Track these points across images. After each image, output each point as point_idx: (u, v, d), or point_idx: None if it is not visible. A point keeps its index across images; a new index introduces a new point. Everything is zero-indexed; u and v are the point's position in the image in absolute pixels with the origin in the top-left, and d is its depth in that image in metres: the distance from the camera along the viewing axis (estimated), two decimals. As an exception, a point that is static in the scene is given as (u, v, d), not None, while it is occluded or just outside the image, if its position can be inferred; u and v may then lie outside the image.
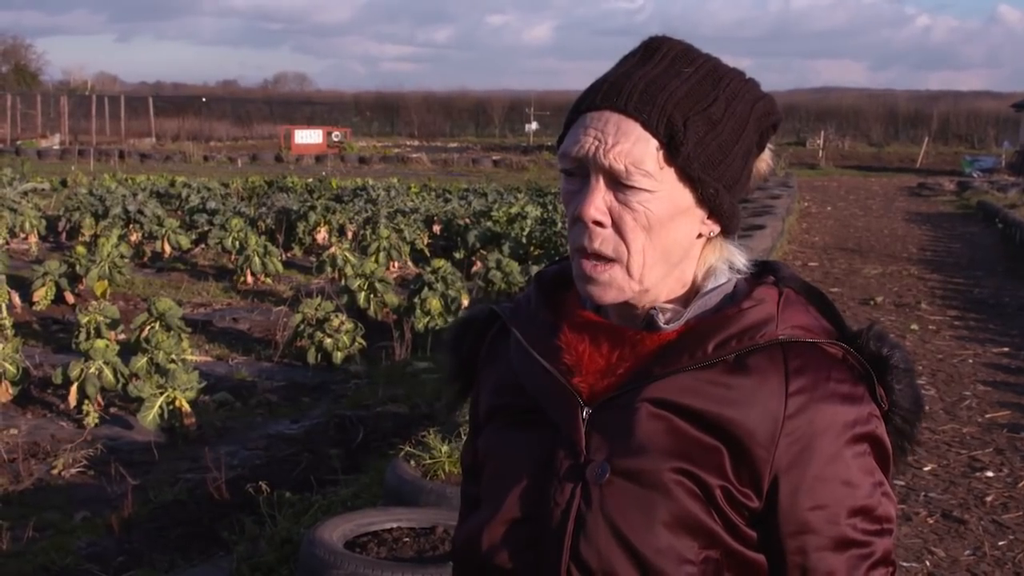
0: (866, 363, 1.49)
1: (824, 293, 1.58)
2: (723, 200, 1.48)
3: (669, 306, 1.52)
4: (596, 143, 1.44)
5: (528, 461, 1.52)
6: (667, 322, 1.50)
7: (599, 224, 1.45)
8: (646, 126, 1.43)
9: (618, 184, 1.44)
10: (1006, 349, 10.68)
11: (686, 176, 1.45)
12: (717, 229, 1.52)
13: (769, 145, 1.55)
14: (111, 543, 6.12)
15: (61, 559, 5.84)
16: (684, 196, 1.46)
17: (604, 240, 1.45)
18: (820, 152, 47.96)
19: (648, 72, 1.46)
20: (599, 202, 1.44)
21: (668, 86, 1.45)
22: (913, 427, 1.54)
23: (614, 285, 1.46)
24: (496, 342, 1.68)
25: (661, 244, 1.46)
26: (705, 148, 1.44)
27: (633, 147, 1.43)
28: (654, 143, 1.43)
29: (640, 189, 1.43)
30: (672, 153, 1.43)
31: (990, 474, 6.95)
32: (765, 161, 1.56)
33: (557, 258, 1.72)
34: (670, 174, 1.44)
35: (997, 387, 9.18)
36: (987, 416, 8.26)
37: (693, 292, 1.53)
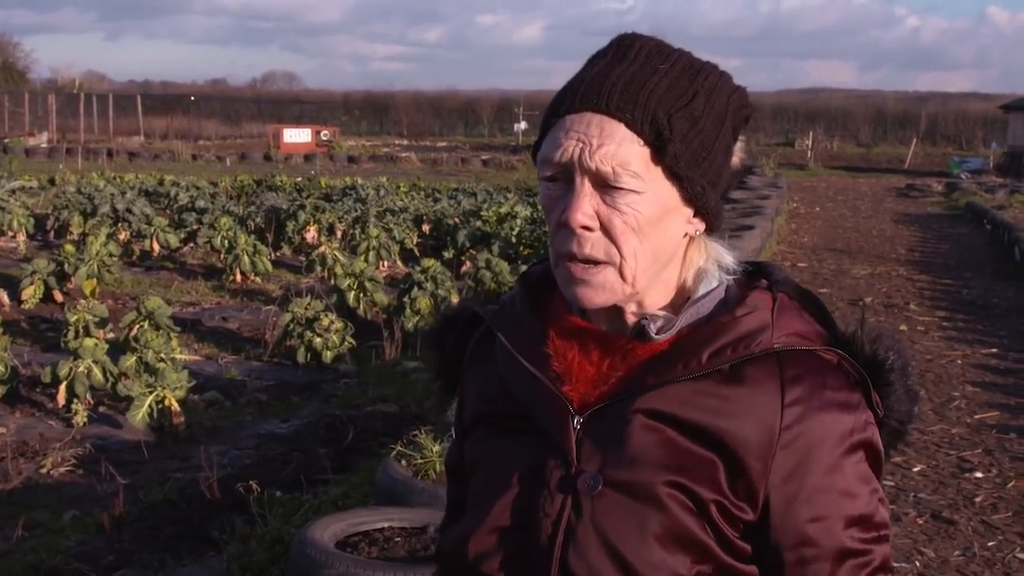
0: (861, 369, 1.47)
1: (817, 296, 1.56)
2: (709, 197, 1.46)
3: (661, 314, 1.49)
4: (580, 146, 1.40)
5: (517, 469, 1.50)
6: (659, 331, 1.47)
7: (587, 229, 1.41)
8: (630, 126, 1.40)
9: (605, 186, 1.41)
10: (994, 350, 10.71)
11: (673, 175, 1.42)
12: (702, 227, 1.49)
13: (740, 136, 1.53)
14: (101, 542, 6.10)
15: (51, 558, 5.82)
16: (671, 195, 1.43)
17: (594, 244, 1.41)
18: (809, 153, 48.04)
19: (625, 70, 1.43)
20: (586, 207, 1.40)
21: (647, 83, 1.42)
22: (907, 427, 1.53)
23: (607, 288, 1.43)
24: (481, 344, 1.65)
25: (651, 246, 1.43)
26: (689, 145, 1.42)
27: (619, 148, 1.39)
28: (639, 143, 1.40)
29: (628, 190, 1.40)
30: (659, 152, 1.40)
31: (979, 475, 6.97)
32: (738, 154, 1.53)
33: (542, 256, 1.68)
34: (657, 173, 1.41)
35: (986, 388, 9.20)
36: (976, 417, 8.28)
37: (683, 297, 1.50)
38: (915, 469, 6.98)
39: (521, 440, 1.51)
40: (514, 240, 16.62)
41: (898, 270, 16.39)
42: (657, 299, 1.49)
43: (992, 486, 6.78)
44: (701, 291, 1.50)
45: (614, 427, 1.44)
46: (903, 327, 11.70)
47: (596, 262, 1.42)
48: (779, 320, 1.46)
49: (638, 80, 1.42)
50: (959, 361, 10.19)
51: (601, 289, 1.43)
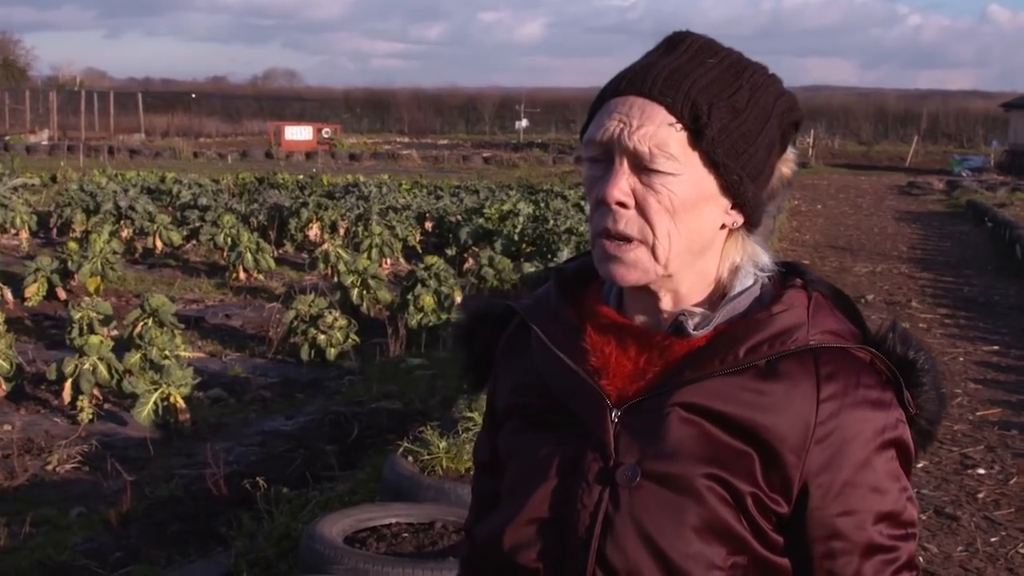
0: (894, 368, 1.49)
1: (849, 297, 1.58)
2: (747, 189, 1.47)
3: (698, 311, 1.51)
4: (620, 126, 1.43)
5: (553, 461, 1.51)
6: (696, 327, 1.49)
7: (622, 205, 1.44)
8: (671, 109, 1.43)
9: (642, 167, 1.43)
10: (996, 347, 10.74)
11: (710, 161, 1.44)
12: (740, 220, 1.50)
13: (791, 148, 1.55)
14: (108, 539, 6.12)
15: (58, 555, 5.84)
16: (708, 182, 1.45)
17: (628, 221, 1.44)
18: (810, 151, 48.05)
19: (672, 61, 1.46)
20: (623, 184, 1.43)
21: (692, 74, 1.45)
22: (936, 427, 1.55)
23: (639, 266, 1.45)
24: (515, 337, 1.67)
25: (686, 229, 1.45)
26: (729, 135, 1.44)
27: (658, 129, 1.42)
28: (678, 126, 1.43)
29: (664, 172, 1.43)
30: (696, 137, 1.43)
31: (982, 471, 6.99)
32: (789, 163, 1.55)
33: (580, 252, 1.70)
34: (694, 158, 1.44)
35: (988, 385, 9.23)
36: (978, 414, 8.31)
37: (719, 293, 1.52)
38: (918, 465, 7.00)
39: (557, 433, 1.53)
40: (516, 237, 16.65)
41: (900, 268, 16.42)
42: (692, 289, 1.52)
43: (994, 482, 6.80)
44: (737, 288, 1.52)
45: (652, 420, 1.47)
46: (905, 325, 11.70)
47: (629, 239, 1.45)
48: (814, 318, 1.49)
49: (683, 70, 1.46)
50: (961, 358, 10.21)
51: (633, 267, 1.46)
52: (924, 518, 6.14)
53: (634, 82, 1.46)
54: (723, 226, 1.50)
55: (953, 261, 17.40)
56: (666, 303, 1.52)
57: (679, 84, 1.44)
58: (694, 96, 1.43)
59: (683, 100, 1.43)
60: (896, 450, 1.47)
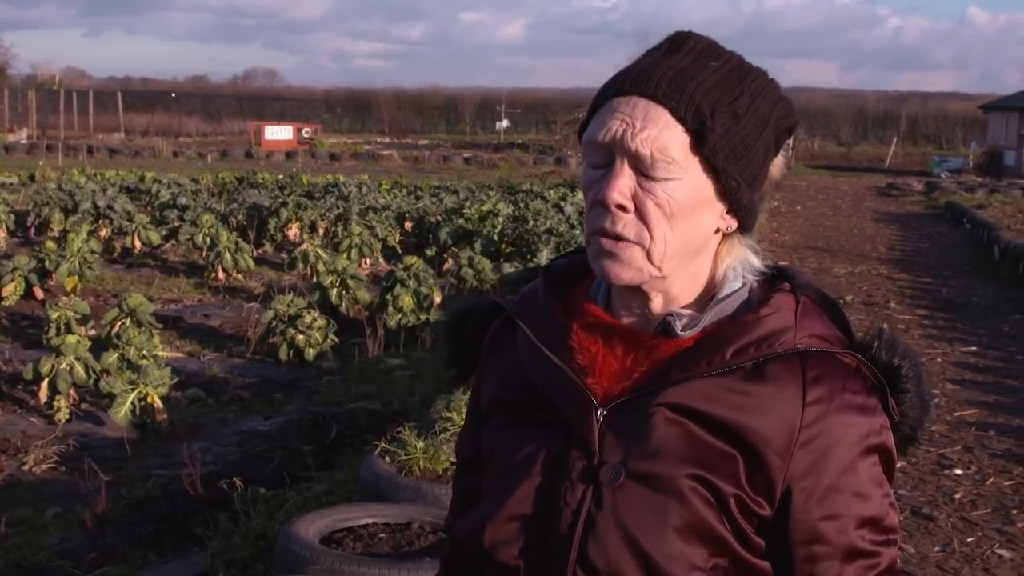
0: (879, 374, 1.50)
1: (836, 302, 1.59)
2: (743, 194, 1.48)
3: (686, 312, 1.51)
4: (624, 127, 1.43)
5: (537, 458, 1.51)
6: (684, 328, 1.50)
7: (622, 208, 1.44)
8: (674, 113, 1.43)
9: (643, 170, 1.44)
10: (974, 348, 10.79)
11: (710, 166, 1.45)
12: (735, 225, 1.51)
13: (783, 151, 1.56)
14: (84, 539, 6.08)
15: (33, 555, 5.80)
16: (707, 187, 1.46)
17: (626, 224, 1.44)
18: (790, 152, 48.02)
19: (676, 63, 1.46)
20: (623, 186, 1.43)
21: (696, 77, 1.45)
22: (918, 433, 1.56)
23: (633, 265, 1.45)
24: (501, 334, 1.67)
25: (682, 232, 1.45)
26: (729, 140, 1.44)
27: (660, 133, 1.42)
28: (681, 130, 1.43)
29: (665, 177, 1.43)
30: (698, 142, 1.43)
31: (959, 472, 7.02)
32: (778, 166, 1.56)
33: (571, 250, 1.71)
34: (694, 163, 1.44)
35: (965, 386, 9.27)
36: (956, 414, 8.34)
37: (708, 294, 1.53)
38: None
39: (541, 430, 1.53)
40: (496, 238, 16.65)
41: (878, 269, 16.48)
42: (684, 290, 1.52)
43: (971, 483, 6.83)
44: (726, 291, 1.53)
45: (637, 420, 1.47)
46: (883, 326, 11.75)
47: (626, 240, 1.45)
48: (802, 322, 1.49)
49: (687, 73, 1.46)
50: (939, 359, 10.26)
51: (627, 265, 1.46)
52: (901, 519, 6.15)
53: (638, 82, 1.46)
54: (717, 230, 1.51)
55: (932, 262, 17.49)
56: (656, 303, 1.52)
57: (683, 87, 1.44)
58: (698, 100, 1.44)
59: (687, 104, 1.44)
60: (879, 456, 1.48)
